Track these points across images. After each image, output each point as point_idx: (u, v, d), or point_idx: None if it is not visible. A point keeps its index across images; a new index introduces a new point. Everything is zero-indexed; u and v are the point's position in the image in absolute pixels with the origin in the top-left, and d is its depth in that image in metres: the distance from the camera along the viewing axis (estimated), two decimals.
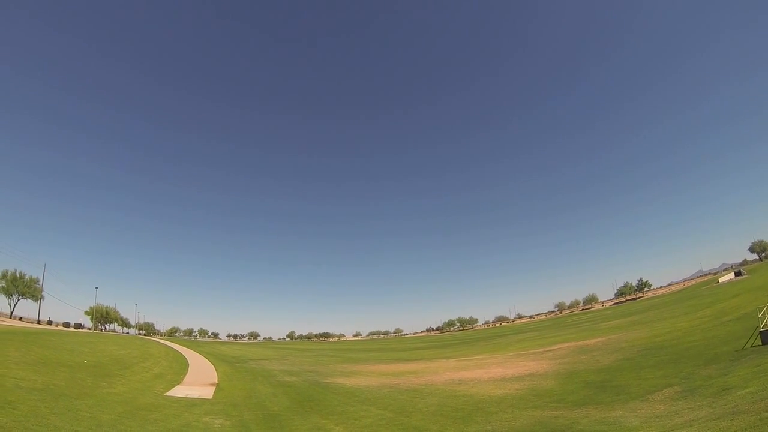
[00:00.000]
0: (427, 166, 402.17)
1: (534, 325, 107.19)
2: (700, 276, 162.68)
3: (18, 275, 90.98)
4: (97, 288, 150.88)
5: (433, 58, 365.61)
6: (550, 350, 31.64)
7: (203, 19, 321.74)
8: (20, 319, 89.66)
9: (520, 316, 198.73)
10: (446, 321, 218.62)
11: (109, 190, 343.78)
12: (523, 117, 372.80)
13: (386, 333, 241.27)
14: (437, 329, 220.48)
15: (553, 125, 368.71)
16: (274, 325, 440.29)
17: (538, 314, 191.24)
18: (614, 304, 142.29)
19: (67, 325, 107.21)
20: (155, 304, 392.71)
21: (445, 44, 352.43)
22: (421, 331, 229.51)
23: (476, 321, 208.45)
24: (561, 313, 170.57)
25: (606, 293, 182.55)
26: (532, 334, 61.69)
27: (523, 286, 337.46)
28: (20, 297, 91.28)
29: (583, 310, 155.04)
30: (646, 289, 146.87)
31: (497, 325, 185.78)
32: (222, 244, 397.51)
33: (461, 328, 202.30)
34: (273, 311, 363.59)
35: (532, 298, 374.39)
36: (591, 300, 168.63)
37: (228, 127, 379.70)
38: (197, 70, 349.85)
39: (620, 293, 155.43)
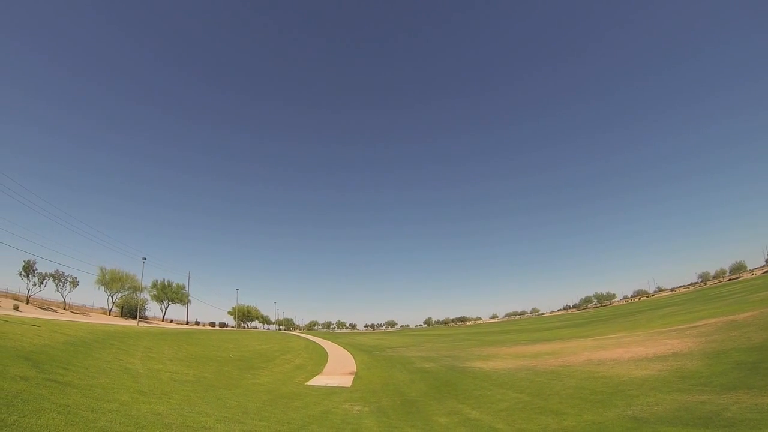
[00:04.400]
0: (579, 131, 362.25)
1: (676, 299, 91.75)
2: None
3: (166, 284, 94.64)
4: (237, 289, 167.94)
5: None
6: (694, 326, 26.99)
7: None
8: (171, 321, 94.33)
9: (660, 290, 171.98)
10: (583, 298, 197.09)
11: (246, 203, 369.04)
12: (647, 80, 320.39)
13: (522, 313, 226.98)
14: (574, 307, 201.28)
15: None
16: (411, 313, 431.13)
17: (680, 286, 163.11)
18: (766, 271, 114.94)
19: (212, 324, 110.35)
20: (294, 300, 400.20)
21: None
22: (558, 310, 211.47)
23: (614, 296, 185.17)
24: (705, 284, 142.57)
25: (756, 260, 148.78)
26: (675, 308, 53.01)
27: (663, 256, 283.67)
28: (170, 302, 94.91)
29: (730, 280, 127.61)
30: None
31: (636, 300, 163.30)
32: (357, 239, 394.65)
33: (598, 305, 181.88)
34: (409, 299, 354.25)
35: (672, 270, 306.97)
36: (739, 268, 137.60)
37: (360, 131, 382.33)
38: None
39: None
